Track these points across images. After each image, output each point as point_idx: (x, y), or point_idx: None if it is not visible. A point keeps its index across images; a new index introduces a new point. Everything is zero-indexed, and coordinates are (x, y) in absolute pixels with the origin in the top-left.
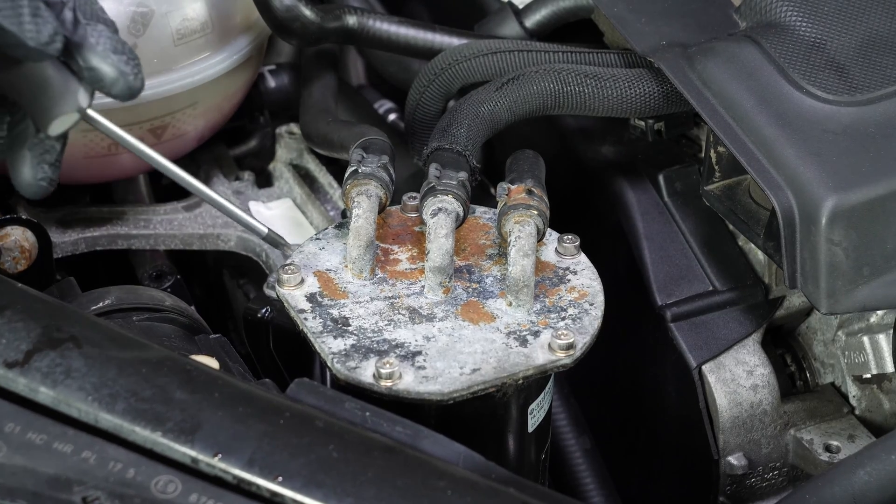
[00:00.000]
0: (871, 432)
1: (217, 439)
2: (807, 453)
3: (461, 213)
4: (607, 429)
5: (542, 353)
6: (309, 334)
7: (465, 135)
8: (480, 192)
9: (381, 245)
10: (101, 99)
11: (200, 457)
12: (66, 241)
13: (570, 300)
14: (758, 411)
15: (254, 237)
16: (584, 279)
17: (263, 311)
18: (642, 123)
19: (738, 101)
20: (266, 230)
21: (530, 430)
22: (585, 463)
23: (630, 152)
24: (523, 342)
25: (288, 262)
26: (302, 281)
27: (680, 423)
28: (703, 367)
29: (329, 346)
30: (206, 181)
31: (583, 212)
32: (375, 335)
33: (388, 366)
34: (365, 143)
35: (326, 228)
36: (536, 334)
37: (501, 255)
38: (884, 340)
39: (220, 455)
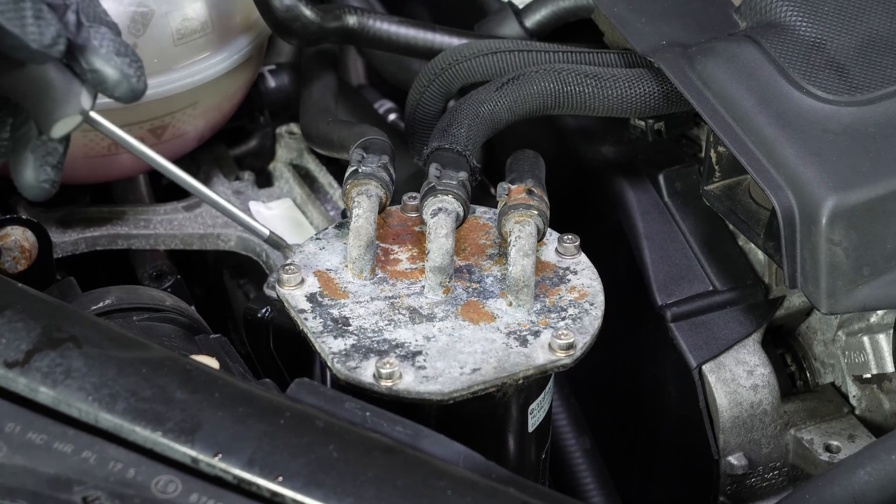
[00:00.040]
0: (871, 432)
1: (217, 439)
2: (807, 453)
3: (461, 213)
4: (607, 429)
5: (543, 352)
6: (309, 334)
7: (465, 135)
8: (480, 192)
9: (382, 245)
10: (101, 99)
11: (201, 457)
12: (66, 240)
13: (570, 300)
14: (758, 411)
15: (254, 237)
16: (585, 279)
17: (263, 311)
18: (642, 123)
19: (738, 101)
20: (268, 232)
21: (530, 430)
22: (585, 463)
23: (630, 152)
24: (523, 342)
25: (288, 261)
26: (302, 281)
27: (680, 423)
28: (704, 366)
29: (329, 346)
30: (206, 181)
31: (583, 212)
32: (376, 335)
33: (388, 366)
34: (365, 142)
35: (326, 228)
36: (537, 334)
37: (502, 255)
38: (884, 340)
39: (220, 455)
